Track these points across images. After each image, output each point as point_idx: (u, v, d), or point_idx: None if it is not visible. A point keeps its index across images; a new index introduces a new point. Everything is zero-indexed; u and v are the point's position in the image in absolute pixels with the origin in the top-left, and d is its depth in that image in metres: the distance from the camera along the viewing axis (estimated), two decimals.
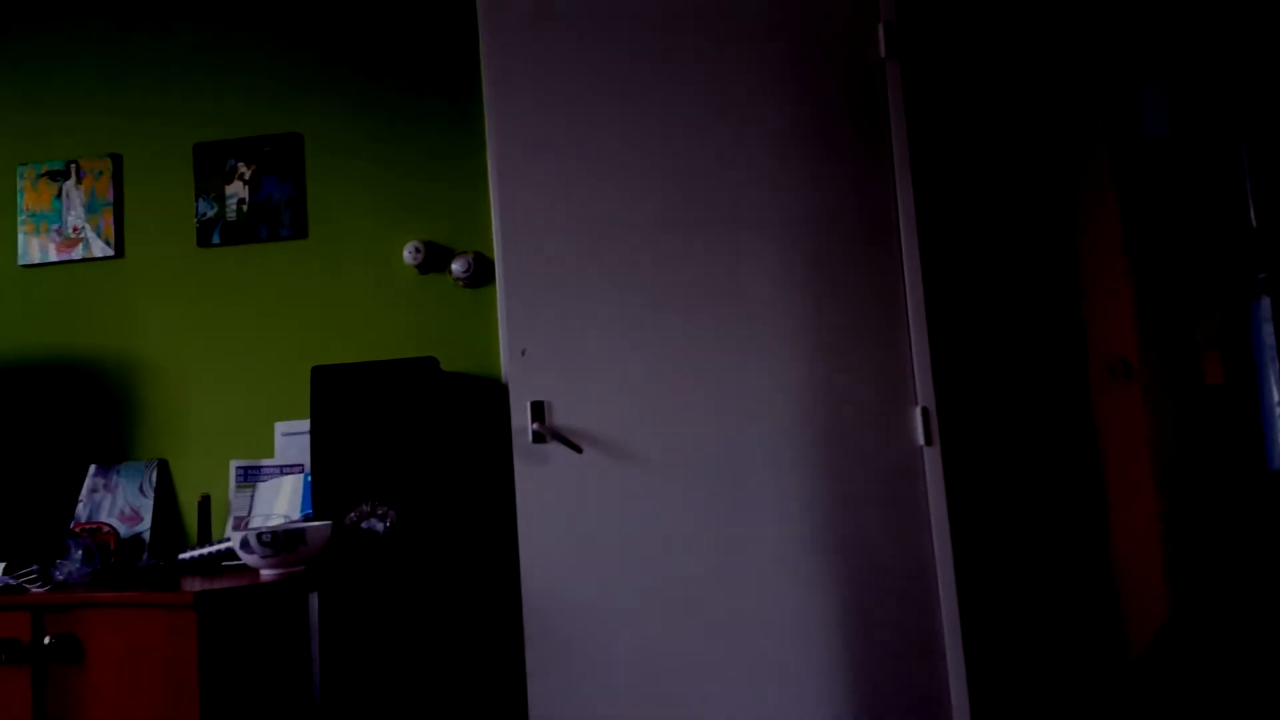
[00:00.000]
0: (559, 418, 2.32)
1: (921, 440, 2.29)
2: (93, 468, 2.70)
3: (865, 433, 2.30)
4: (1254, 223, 2.36)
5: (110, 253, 2.80)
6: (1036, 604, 2.50)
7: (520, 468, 2.32)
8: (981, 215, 2.60)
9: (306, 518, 2.42)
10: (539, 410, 2.32)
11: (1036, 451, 2.53)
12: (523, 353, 2.31)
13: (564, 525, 2.30)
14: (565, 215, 2.37)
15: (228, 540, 2.39)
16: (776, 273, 2.33)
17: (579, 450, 2.30)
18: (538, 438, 2.31)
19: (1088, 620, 2.48)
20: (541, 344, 2.34)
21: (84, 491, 2.67)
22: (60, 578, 2.18)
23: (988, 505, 2.54)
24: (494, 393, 2.62)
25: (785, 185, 2.35)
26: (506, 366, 2.33)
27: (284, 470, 2.61)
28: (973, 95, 2.62)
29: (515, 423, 2.32)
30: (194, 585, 2.05)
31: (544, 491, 2.31)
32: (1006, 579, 2.52)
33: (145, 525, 2.62)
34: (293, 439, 2.64)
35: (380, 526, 2.31)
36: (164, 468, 2.71)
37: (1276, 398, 2.31)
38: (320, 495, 2.34)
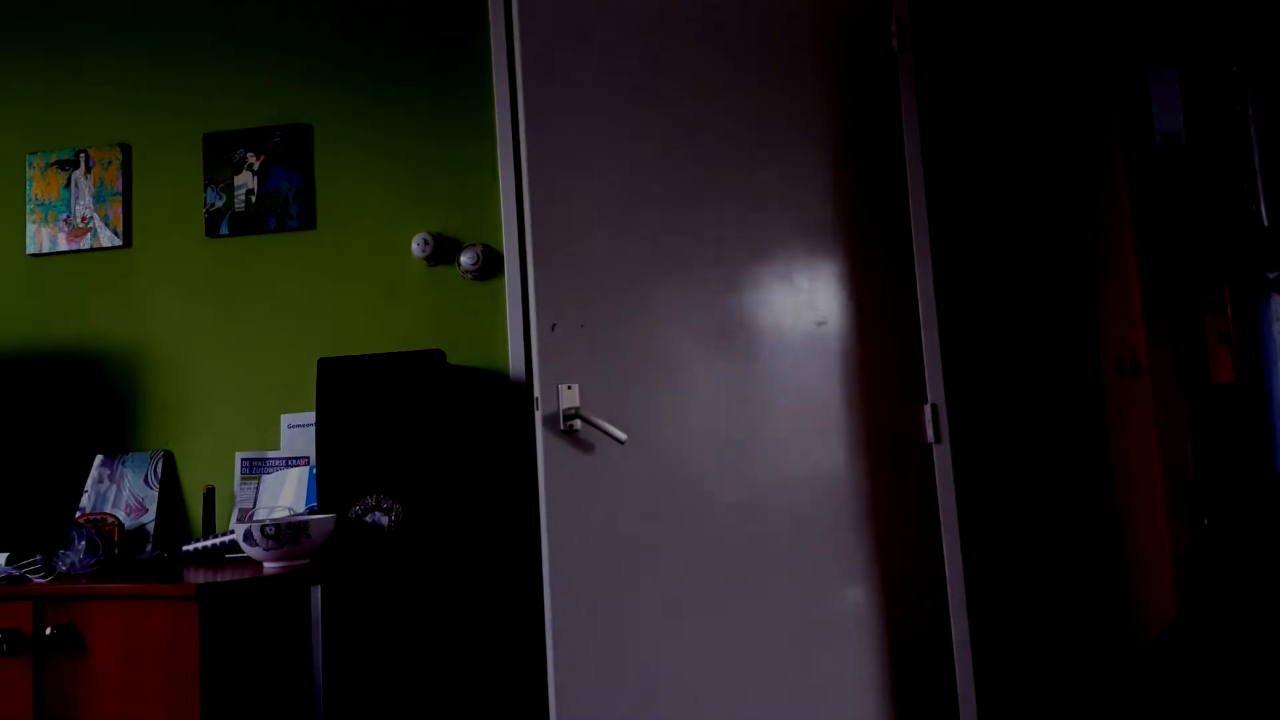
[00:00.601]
0: (589, 404, 2.15)
1: (931, 437, 2.28)
2: (98, 458, 2.70)
3: (875, 429, 2.29)
4: (1265, 221, 2.34)
5: (118, 243, 2.80)
6: (1046, 601, 2.49)
7: (547, 459, 2.09)
8: (993, 211, 2.59)
9: (311, 510, 2.41)
10: (570, 395, 2.12)
11: (1047, 449, 2.52)
12: (553, 328, 2.11)
13: (597, 521, 2.12)
14: (598, 191, 2.22)
15: (231, 533, 2.39)
16: (790, 267, 2.32)
17: (621, 441, 2.09)
18: (568, 425, 2.11)
19: (1097, 617, 2.47)
20: (572, 323, 2.15)
21: (89, 482, 2.67)
22: (63, 568, 2.18)
23: (999, 502, 2.52)
24: (501, 386, 2.61)
25: (798, 180, 2.34)
26: (534, 346, 2.06)
27: (289, 463, 2.60)
28: (985, 91, 2.61)
29: (543, 409, 2.09)
30: (197, 577, 2.04)
31: (575, 485, 2.11)
32: (1017, 576, 2.50)
33: (150, 516, 2.61)
34: (299, 431, 2.63)
35: (385, 520, 2.30)
36: (169, 459, 2.71)
37: None
38: (325, 488, 2.34)
